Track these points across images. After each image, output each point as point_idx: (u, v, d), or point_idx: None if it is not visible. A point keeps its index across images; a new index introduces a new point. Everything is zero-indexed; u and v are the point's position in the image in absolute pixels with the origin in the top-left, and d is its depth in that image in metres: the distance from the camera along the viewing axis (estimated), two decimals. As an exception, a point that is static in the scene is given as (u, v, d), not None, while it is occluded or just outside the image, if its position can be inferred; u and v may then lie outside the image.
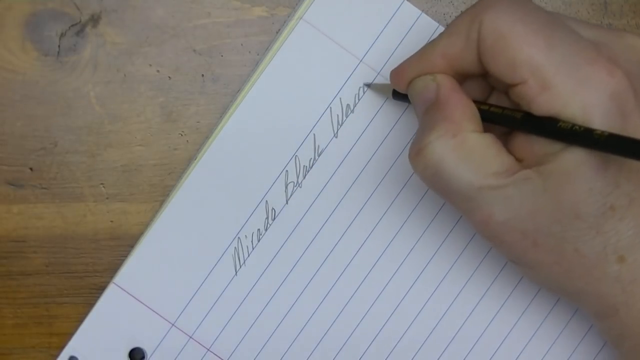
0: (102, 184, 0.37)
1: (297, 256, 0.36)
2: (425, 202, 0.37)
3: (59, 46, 0.36)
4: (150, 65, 0.36)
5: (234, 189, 0.36)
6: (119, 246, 0.36)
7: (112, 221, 0.37)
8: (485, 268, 0.37)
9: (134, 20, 0.36)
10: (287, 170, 0.36)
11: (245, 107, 0.36)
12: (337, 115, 0.36)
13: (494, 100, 0.32)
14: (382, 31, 0.36)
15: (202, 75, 0.37)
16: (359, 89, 0.36)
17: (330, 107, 0.36)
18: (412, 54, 0.32)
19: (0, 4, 0.36)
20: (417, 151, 0.30)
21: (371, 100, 0.36)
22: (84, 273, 0.37)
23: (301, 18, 0.36)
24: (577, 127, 0.28)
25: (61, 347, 0.36)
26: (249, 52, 0.37)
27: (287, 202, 0.36)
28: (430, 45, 0.31)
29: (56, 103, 0.36)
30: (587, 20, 0.37)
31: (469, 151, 0.29)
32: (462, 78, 0.31)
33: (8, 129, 0.36)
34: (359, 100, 0.36)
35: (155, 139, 0.37)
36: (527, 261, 0.30)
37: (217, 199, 0.36)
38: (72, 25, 0.36)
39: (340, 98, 0.36)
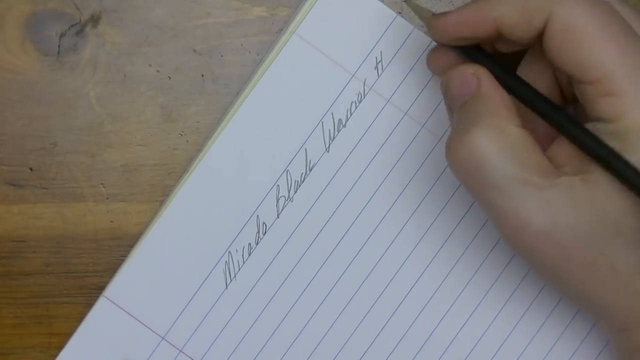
0: (102, 184, 0.37)
1: (288, 271, 0.36)
2: (418, 216, 0.36)
3: (59, 46, 0.36)
4: (150, 65, 0.36)
5: (225, 204, 0.36)
6: (119, 246, 0.36)
7: (112, 221, 0.37)
8: (484, 274, 0.37)
9: (134, 20, 0.36)
10: (278, 185, 0.36)
11: (237, 121, 0.36)
12: (329, 129, 0.36)
13: (534, 68, 0.32)
14: (374, 46, 0.36)
15: (202, 75, 0.37)
16: (351, 104, 0.36)
17: (322, 122, 0.36)
18: (430, 42, 0.31)
19: (0, 4, 0.36)
20: (459, 143, 0.29)
21: (363, 115, 0.36)
22: (84, 273, 0.37)
23: (294, 32, 0.36)
24: (618, 156, 0.27)
25: (61, 348, 0.36)
26: (249, 52, 0.37)
27: (278, 217, 0.36)
28: (487, 4, 0.29)
29: (56, 103, 0.36)
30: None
31: (514, 145, 0.28)
32: (498, 40, 0.31)
33: (8, 129, 0.36)
34: (351, 115, 0.36)
35: (155, 139, 0.37)
36: (557, 274, 0.30)
37: (208, 213, 0.36)
38: (72, 25, 0.36)
39: (332, 112, 0.36)
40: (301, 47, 0.36)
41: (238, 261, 0.36)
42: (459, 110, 0.30)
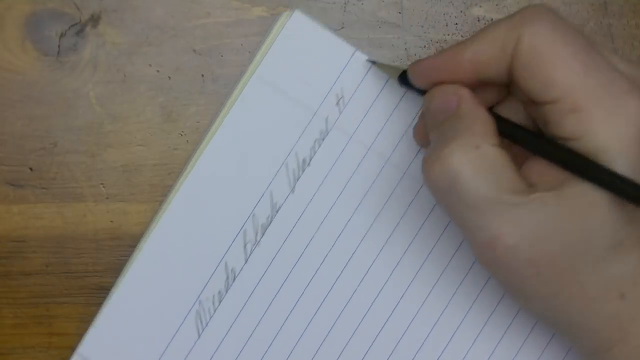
0: (102, 184, 0.37)
1: (260, 316, 0.36)
2: (388, 250, 0.36)
3: (59, 46, 0.36)
4: (150, 65, 0.36)
5: (194, 252, 0.36)
6: (119, 246, 0.36)
7: (112, 221, 0.37)
8: (459, 301, 0.37)
9: (134, 20, 0.36)
10: (245, 229, 0.36)
11: (200, 167, 0.36)
12: (294, 169, 0.36)
13: (507, 106, 0.32)
14: (335, 82, 0.36)
15: (202, 75, 0.37)
16: (315, 142, 0.36)
17: (286, 162, 0.36)
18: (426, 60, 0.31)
19: (0, 4, 0.36)
20: (436, 160, 0.29)
21: (327, 153, 0.36)
22: (84, 273, 0.37)
23: (253, 74, 0.36)
24: (593, 163, 0.27)
25: (61, 347, 0.36)
26: (249, 52, 0.37)
27: (246, 262, 0.36)
28: (460, 47, 0.30)
29: (56, 103, 0.36)
30: (586, 20, 0.37)
31: (489, 164, 0.29)
32: (481, 84, 0.31)
33: (8, 129, 0.36)
34: (314, 153, 0.36)
35: (155, 139, 0.37)
36: (526, 291, 0.30)
37: (177, 263, 0.36)
38: (72, 25, 0.36)
39: (296, 152, 0.36)
40: (261, 88, 0.36)
41: (209, 309, 0.36)
42: (439, 128, 0.30)
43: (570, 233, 0.28)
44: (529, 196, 0.28)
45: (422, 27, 0.37)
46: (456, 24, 0.37)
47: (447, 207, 0.30)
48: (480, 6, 0.37)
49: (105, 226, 0.37)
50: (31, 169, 0.36)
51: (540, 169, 0.29)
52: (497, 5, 0.37)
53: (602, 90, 0.28)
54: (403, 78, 0.33)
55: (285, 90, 0.36)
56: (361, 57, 0.36)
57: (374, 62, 0.36)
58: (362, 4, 0.37)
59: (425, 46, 0.37)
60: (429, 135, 0.31)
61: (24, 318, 0.37)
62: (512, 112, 0.32)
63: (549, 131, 0.29)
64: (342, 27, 0.37)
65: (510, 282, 0.30)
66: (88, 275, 0.37)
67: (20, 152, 0.36)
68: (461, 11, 0.37)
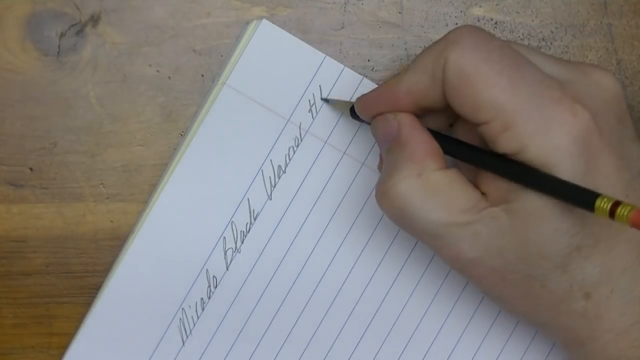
0: (102, 184, 0.37)
1: (243, 322, 0.36)
2: (367, 254, 0.37)
3: (59, 46, 0.36)
4: (150, 65, 0.36)
5: (174, 261, 0.36)
6: (119, 246, 0.36)
7: (112, 221, 0.37)
8: (439, 305, 0.37)
9: (133, 20, 0.36)
10: (224, 237, 0.36)
11: (176, 178, 0.36)
12: (270, 176, 0.36)
13: (459, 128, 0.32)
14: (306, 89, 0.36)
15: (202, 75, 0.37)
16: (289, 149, 0.36)
17: (262, 170, 0.36)
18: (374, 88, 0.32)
19: (0, 4, 0.36)
20: (382, 193, 0.30)
21: (302, 159, 0.36)
22: (83, 273, 0.37)
23: (224, 84, 0.36)
24: (536, 172, 0.28)
25: (61, 347, 0.36)
26: (249, 52, 0.37)
27: (227, 269, 0.36)
28: (395, 80, 0.31)
29: (56, 103, 0.36)
30: (586, 20, 0.37)
31: (433, 190, 0.29)
32: (426, 111, 0.31)
33: (8, 129, 0.36)
34: (290, 160, 0.36)
35: (155, 139, 0.37)
36: (496, 294, 0.31)
37: (158, 273, 0.36)
38: (72, 25, 0.36)
39: (271, 160, 0.36)
40: (233, 97, 0.36)
41: (192, 317, 0.36)
42: (385, 157, 0.31)
43: (525, 243, 0.29)
44: (480, 213, 0.29)
45: (422, 27, 0.37)
46: (456, 24, 0.37)
47: (405, 230, 0.31)
48: (480, 6, 0.37)
49: (105, 226, 0.37)
50: (31, 169, 0.36)
51: (489, 180, 0.30)
52: (497, 5, 0.37)
53: (532, 104, 0.28)
54: (353, 112, 0.34)
55: (257, 98, 0.36)
56: (331, 63, 0.36)
57: (327, 100, 0.36)
58: (362, 4, 0.37)
59: (425, 46, 0.37)
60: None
61: (24, 318, 0.37)
62: (467, 130, 0.32)
63: (491, 147, 0.29)
64: (342, 27, 0.37)
65: (481, 287, 0.31)
66: (88, 275, 0.37)
67: (20, 152, 0.36)
68: (461, 11, 0.37)
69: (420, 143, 0.30)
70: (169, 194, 0.36)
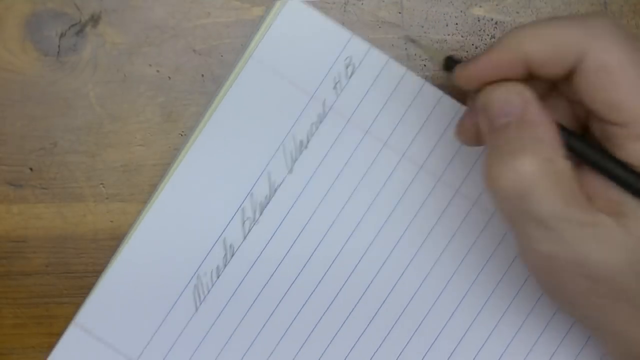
0: (102, 184, 0.37)
1: (257, 292, 0.36)
2: (385, 232, 0.36)
3: (59, 46, 0.36)
4: (150, 65, 0.36)
5: (192, 228, 0.36)
6: (119, 246, 0.36)
7: (112, 221, 0.37)
8: (455, 288, 0.37)
9: (134, 20, 0.36)
10: (243, 208, 0.36)
11: (198, 146, 0.36)
12: (291, 151, 0.36)
13: (551, 104, 0.31)
14: (332, 66, 0.36)
15: (202, 75, 0.37)
16: (311, 125, 0.36)
17: (284, 144, 0.36)
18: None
19: (0, 4, 0.36)
20: (505, 169, 0.28)
21: (324, 136, 0.36)
22: (83, 273, 0.37)
23: (250, 57, 0.36)
24: None
25: (61, 347, 0.36)
26: (249, 52, 0.37)
27: (245, 239, 0.36)
28: (514, 43, 0.28)
29: (56, 103, 0.36)
30: (587, 20, 0.37)
31: (559, 178, 0.27)
32: (528, 79, 0.29)
33: (8, 129, 0.36)
34: (312, 135, 0.36)
35: (155, 139, 0.37)
36: (572, 299, 0.29)
37: (176, 238, 0.36)
38: (72, 25, 0.36)
39: (293, 134, 0.36)
40: (259, 71, 0.36)
41: (207, 284, 0.36)
42: (501, 132, 0.28)
43: (630, 260, 0.27)
44: (596, 218, 0.27)
45: (422, 27, 0.37)
46: (456, 24, 0.37)
47: (506, 213, 0.29)
48: (480, 6, 0.37)
49: (105, 226, 0.37)
50: (31, 169, 0.36)
51: (600, 185, 0.28)
52: (497, 5, 0.37)
53: None
54: (447, 65, 0.32)
55: (282, 73, 0.36)
56: (358, 42, 0.36)
57: (413, 41, 0.35)
58: (362, 4, 0.37)
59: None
60: (486, 137, 0.30)
61: (24, 318, 0.37)
62: (556, 110, 0.30)
63: (609, 148, 0.28)
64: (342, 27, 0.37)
65: (556, 289, 0.30)
66: (88, 275, 0.37)
67: (20, 152, 0.36)
68: (461, 11, 0.37)
69: (550, 125, 0.28)
70: (189, 162, 0.36)
